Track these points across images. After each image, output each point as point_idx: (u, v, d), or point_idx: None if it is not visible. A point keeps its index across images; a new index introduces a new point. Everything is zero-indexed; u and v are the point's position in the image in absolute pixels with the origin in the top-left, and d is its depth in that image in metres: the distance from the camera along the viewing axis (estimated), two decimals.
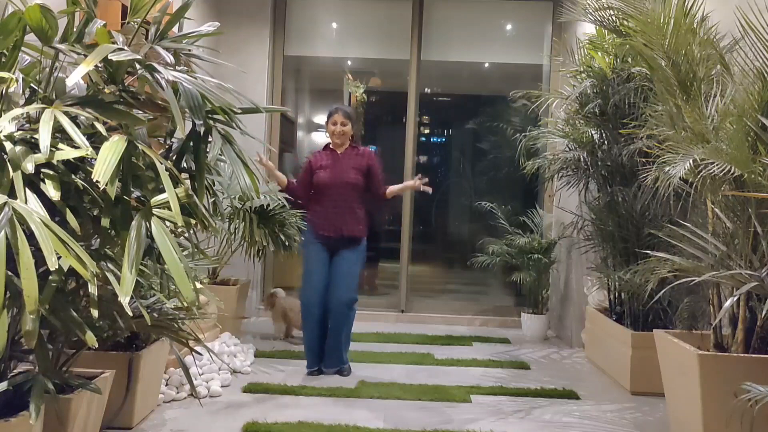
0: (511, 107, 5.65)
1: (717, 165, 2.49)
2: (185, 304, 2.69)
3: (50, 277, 1.74)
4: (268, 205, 4.44)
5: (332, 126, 3.93)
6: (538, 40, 5.85)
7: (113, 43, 1.97)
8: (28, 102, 2.04)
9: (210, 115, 2.17)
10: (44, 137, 1.72)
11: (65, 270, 1.71)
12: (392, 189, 4.00)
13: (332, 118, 3.94)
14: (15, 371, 2.12)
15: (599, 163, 4.21)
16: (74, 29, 2.07)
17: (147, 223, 1.93)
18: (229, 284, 4.73)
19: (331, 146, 3.99)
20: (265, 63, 5.60)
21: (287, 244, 4.46)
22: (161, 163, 1.92)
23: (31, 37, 1.97)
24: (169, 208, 1.90)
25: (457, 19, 5.88)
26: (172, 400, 3.23)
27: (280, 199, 4.43)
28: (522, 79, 6.02)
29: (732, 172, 2.47)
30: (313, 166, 3.93)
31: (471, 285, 6.48)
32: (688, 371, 2.71)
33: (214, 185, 2.52)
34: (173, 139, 2.38)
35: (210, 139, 2.18)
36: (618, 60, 4.07)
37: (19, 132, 1.86)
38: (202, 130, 2.18)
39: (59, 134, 1.87)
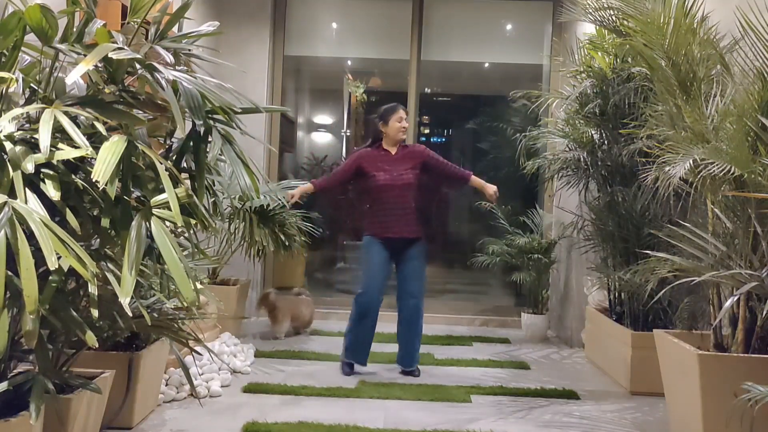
0: (511, 107, 5.65)
1: (717, 165, 2.49)
2: (185, 304, 2.69)
3: (50, 277, 1.74)
4: (268, 205, 4.44)
5: (397, 123, 3.89)
6: (538, 40, 5.86)
7: (113, 42, 1.97)
8: (28, 102, 2.04)
9: (210, 115, 2.17)
10: (44, 137, 1.72)
11: (65, 270, 1.71)
12: (475, 180, 4.01)
13: (398, 113, 3.90)
14: (15, 371, 2.12)
15: (599, 163, 4.21)
16: (74, 29, 2.07)
17: (147, 223, 1.93)
18: (229, 284, 4.73)
19: (383, 146, 3.95)
20: (265, 63, 5.59)
21: (287, 244, 4.46)
22: (161, 163, 1.92)
23: (31, 37, 1.97)
24: (169, 208, 1.90)
25: (457, 19, 5.88)
26: (172, 400, 3.23)
27: (280, 199, 4.43)
28: (522, 79, 6.02)
29: (732, 172, 2.47)
30: (366, 169, 3.88)
31: (471, 285, 6.48)
32: (688, 371, 2.71)
33: (214, 185, 2.51)
34: (173, 139, 2.38)
35: (210, 139, 2.18)
36: (618, 60, 4.07)
37: (19, 132, 1.86)
38: (202, 130, 2.18)
39: (59, 134, 1.87)
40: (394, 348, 4.55)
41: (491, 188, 3.94)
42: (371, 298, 3.86)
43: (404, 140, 3.97)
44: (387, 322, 5.50)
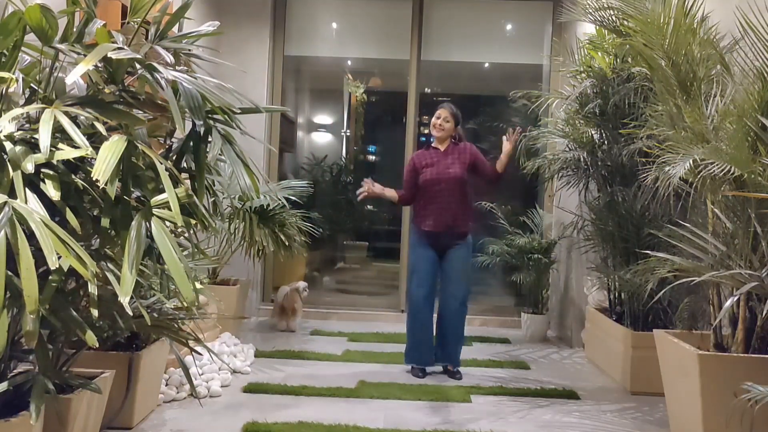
0: (511, 107, 5.65)
1: (717, 165, 2.49)
2: (185, 304, 2.69)
3: (50, 277, 1.74)
4: (268, 205, 4.44)
5: (435, 119, 4.01)
6: (538, 40, 5.85)
7: (113, 42, 1.97)
8: (28, 102, 2.04)
9: (210, 115, 2.17)
10: (44, 137, 1.72)
11: (65, 270, 1.71)
12: (500, 161, 4.00)
13: (436, 112, 4.02)
14: (15, 371, 2.12)
15: (599, 163, 4.21)
16: (74, 29, 2.07)
17: (147, 223, 1.93)
18: (229, 284, 4.73)
19: (433, 145, 4.05)
20: (265, 63, 5.59)
21: (287, 244, 4.47)
22: (161, 163, 1.92)
23: (31, 37, 1.97)
24: (169, 208, 1.90)
25: (457, 19, 5.88)
26: (172, 400, 3.23)
27: (280, 199, 4.43)
28: (522, 79, 6.02)
29: (732, 172, 2.47)
30: (417, 166, 4.01)
31: (471, 285, 6.47)
32: (688, 371, 2.71)
33: (214, 185, 2.51)
34: (173, 139, 2.38)
35: (210, 139, 2.18)
36: (618, 60, 4.07)
37: (19, 132, 1.86)
38: (202, 130, 2.18)
39: (59, 134, 1.87)
40: (394, 348, 4.57)
41: (508, 147, 3.97)
42: (419, 297, 3.92)
43: (444, 139, 4.03)
44: (386, 322, 5.52)
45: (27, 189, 1.72)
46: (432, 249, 3.95)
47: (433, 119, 4.02)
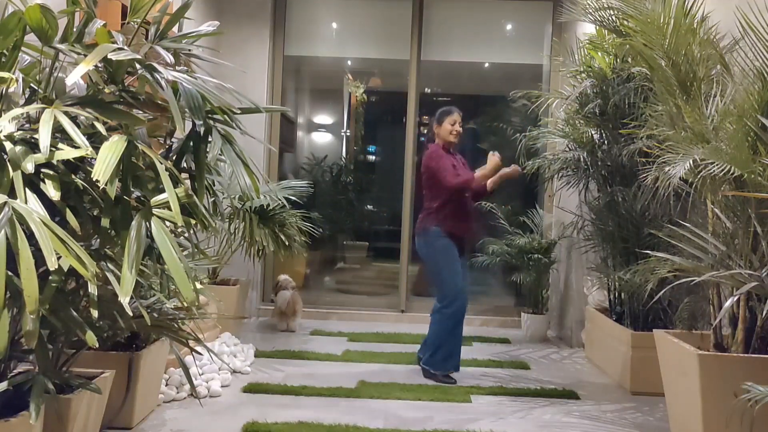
0: (511, 107, 5.65)
1: (717, 165, 2.49)
2: (185, 304, 2.69)
3: (50, 277, 1.74)
4: (268, 205, 4.44)
5: (450, 125, 3.94)
6: (538, 40, 5.86)
7: (113, 42, 1.97)
8: (28, 102, 2.04)
9: (210, 115, 2.17)
10: (44, 137, 1.72)
11: (65, 270, 1.71)
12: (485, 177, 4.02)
13: (452, 116, 3.95)
14: (15, 371, 2.12)
15: (599, 163, 4.21)
16: (74, 29, 2.07)
17: (147, 223, 1.93)
18: (229, 284, 4.73)
19: (450, 149, 4.01)
20: (265, 63, 5.59)
21: (287, 244, 4.47)
22: (161, 163, 1.92)
23: (31, 37, 1.97)
24: (169, 208, 1.90)
25: (457, 19, 5.88)
26: (172, 400, 3.23)
27: (280, 199, 4.43)
28: (522, 79, 6.02)
29: (732, 172, 2.47)
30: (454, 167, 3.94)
31: (471, 285, 6.47)
32: (688, 371, 2.71)
33: (214, 185, 2.51)
34: (173, 139, 2.38)
35: (210, 139, 2.18)
36: (618, 60, 4.07)
37: (19, 132, 1.86)
38: (202, 130, 2.18)
39: (59, 134, 1.87)
40: (394, 348, 4.57)
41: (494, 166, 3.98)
42: (464, 300, 3.83)
43: (454, 145, 4.02)
44: (386, 322, 5.52)
45: (27, 189, 1.72)
46: (457, 251, 3.90)
47: (448, 126, 3.91)
